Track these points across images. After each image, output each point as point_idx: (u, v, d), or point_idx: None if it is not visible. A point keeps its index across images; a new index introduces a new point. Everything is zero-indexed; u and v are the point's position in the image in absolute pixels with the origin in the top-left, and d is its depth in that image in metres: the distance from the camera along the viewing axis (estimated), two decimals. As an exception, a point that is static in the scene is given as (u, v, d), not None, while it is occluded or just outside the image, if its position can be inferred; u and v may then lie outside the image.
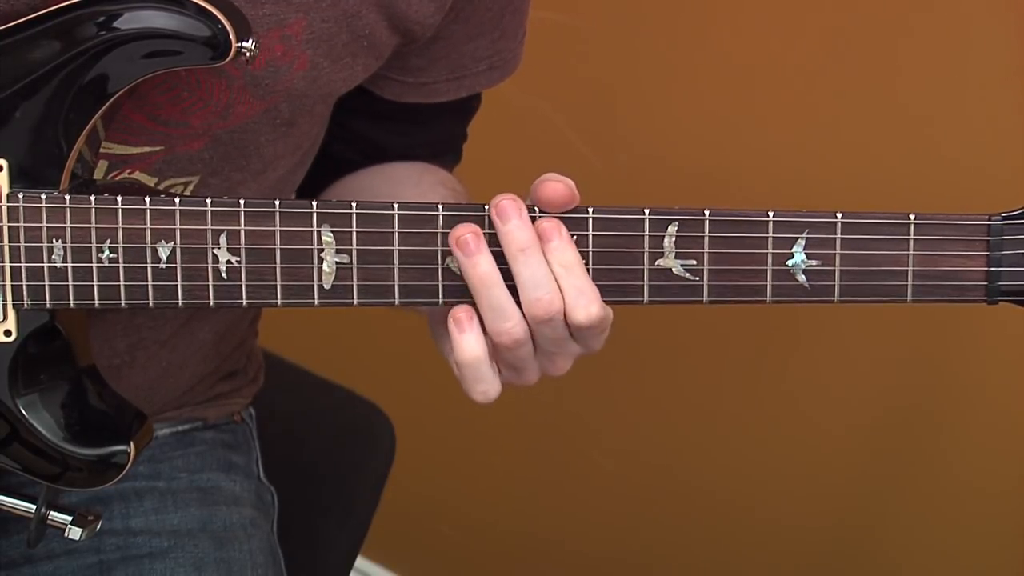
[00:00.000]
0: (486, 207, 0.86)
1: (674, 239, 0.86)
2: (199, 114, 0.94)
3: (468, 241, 0.84)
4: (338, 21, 0.95)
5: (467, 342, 0.85)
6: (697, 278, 0.86)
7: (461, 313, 0.85)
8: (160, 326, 1.05)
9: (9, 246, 0.87)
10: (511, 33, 1.08)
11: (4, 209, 0.86)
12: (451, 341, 0.86)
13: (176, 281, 0.87)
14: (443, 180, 1.12)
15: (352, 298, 0.87)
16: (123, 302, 0.87)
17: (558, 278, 0.84)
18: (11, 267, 0.87)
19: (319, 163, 1.12)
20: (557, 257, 0.84)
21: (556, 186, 0.84)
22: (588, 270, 0.86)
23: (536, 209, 0.86)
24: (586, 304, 0.84)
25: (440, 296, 0.87)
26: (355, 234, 0.86)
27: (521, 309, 0.84)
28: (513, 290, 0.85)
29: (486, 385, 0.87)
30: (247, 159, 0.99)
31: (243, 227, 0.86)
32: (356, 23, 0.96)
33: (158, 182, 0.96)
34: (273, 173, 1.02)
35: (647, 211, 0.85)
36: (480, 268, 0.84)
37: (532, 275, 0.84)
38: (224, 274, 0.86)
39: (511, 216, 0.84)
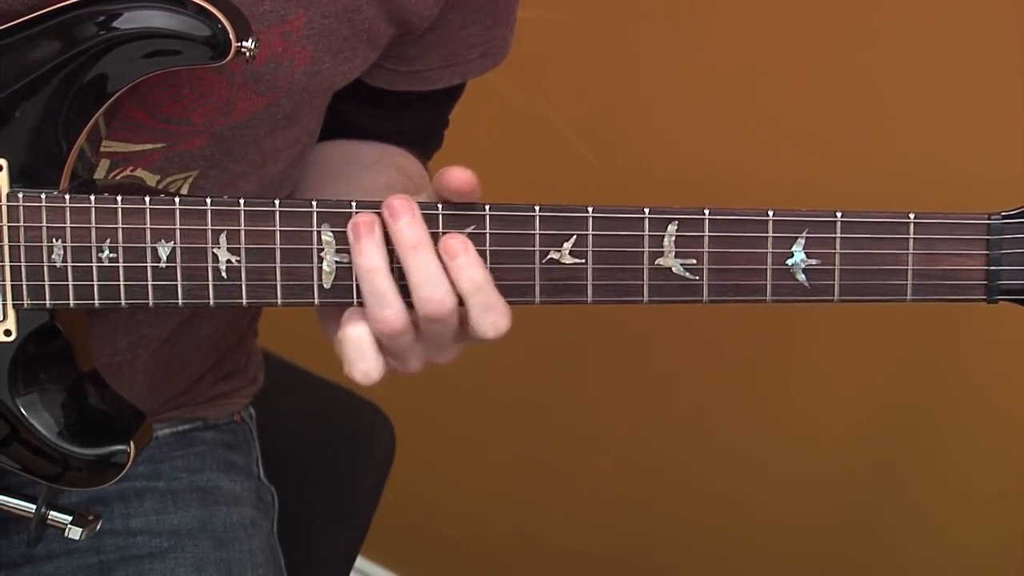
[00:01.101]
0: (486, 207, 0.86)
1: (674, 238, 0.86)
2: (201, 111, 0.94)
3: (359, 226, 0.84)
4: (338, 16, 0.95)
5: (351, 322, 0.85)
6: (697, 277, 0.86)
7: (353, 307, 0.85)
8: (160, 324, 1.05)
9: (9, 246, 0.87)
10: (504, 20, 1.08)
11: (4, 209, 0.86)
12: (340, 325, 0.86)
13: (176, 281, 0.87)
14: (402, 166, 1.11)
15: (352, 298, 0.87)
16: (123, 302, 0.87)
17: (465, 296, 0.84)
18: (11, 267, 0.87)
19: None
20: (465, 274, 0.83)
21: (460, 174, 0.84)
22: (588, 270, 0.86)
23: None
24: (494, 320, 0.84)
25: (440, 296, 0.87)
26: (355, 234, 0.86)
27: (408, 302, 0.84)
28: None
29: (367, 364, 0.86)
30: (248, 153, 0.99)
31: (243, 227, 0.86)
32: (356, 17, 0.96)
33: (160, 179, 0.96)
34: (274, 167, 1.02)
35: (647, 210, 0.85)
36: (366, 253, 0.84)
37: (421, 273, 0.83)
38: (224, 273, 0.86)
39: (402, 214, 0.83)
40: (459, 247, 0.84)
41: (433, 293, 0.83)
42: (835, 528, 1.70)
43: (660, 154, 1.66)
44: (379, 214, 0.85)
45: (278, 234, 0.86)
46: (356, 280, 0.86)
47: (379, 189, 1.03)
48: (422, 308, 0.84)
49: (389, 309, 0.84)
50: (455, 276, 0.83)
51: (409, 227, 0.84)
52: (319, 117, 1.06)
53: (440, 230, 0.86)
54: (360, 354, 0.86)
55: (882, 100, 1.52)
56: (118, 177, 0.95)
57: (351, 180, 1.07)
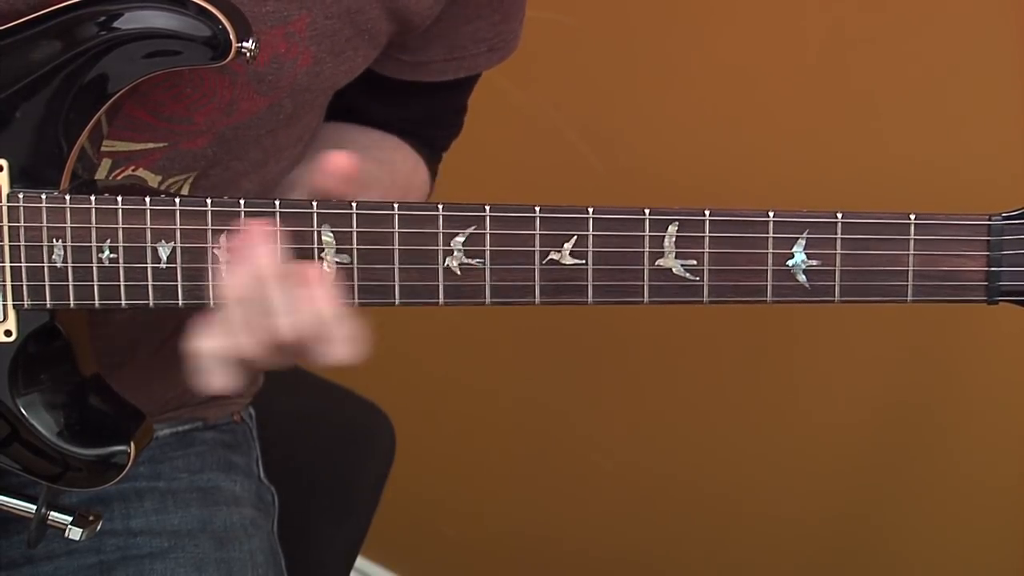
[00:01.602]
0: (486, 207, 0.86)
1: (674, 239, 0.86)
2: (203, 111, 0.94)
3: (255, 235, 0.83)
4: (341, 17, 0.95)
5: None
6: (697, 278, 0.86)
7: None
8: (159, 325, 1.05)
9: (9, 246, 0.87)
10: (512, 15, 1.08)
11: (4, 209, 0.86)
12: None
13: (176, 281, 0.87)
14: (389, 159, 1.11)
15: (352, 298, 0.87)
16: (123, 302, 0.87)
17: (317, 326, 0.83)
18: (11, 267, 0.87)
19: None
20: (318, 306, 0.83)
21: (341, 156, 0.84)
22: (588, 270, 0.86)
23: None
24: (342, 346, 0.84)
25: (440, 296, 0.87)
26: (355, 234, 0.86)
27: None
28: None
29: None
30: (250, 153, 0.99)
31: (243, 227, 0.86)
32: (359, 18, 0.96)
33: (162, 180, 0.96)
34: (276, 165, 1.02)
35: (647, 211, 0.85)
36: (261, 263, 0.83)
37: (275, 302, 0.83)
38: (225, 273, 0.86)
39: (259, 243, 0.83)
40: (315, 279, 0.83)
41: (285, 320, 0.83)
42: (836, 528, 1.70)
43: (661, 155, 1.66)
44: (379, 217, 0.85)
45: (278, 235, 0.86)
46: (359, 284, 0.86)
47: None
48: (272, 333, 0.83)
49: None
50: (308, 305, 0.83)
51: (265, 256, 0.83)
52: (321, 115, 1.06)
53: (439, 230, 0.86)
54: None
55: (882, 101, 1.52)
56: (119, 177, 0.95)
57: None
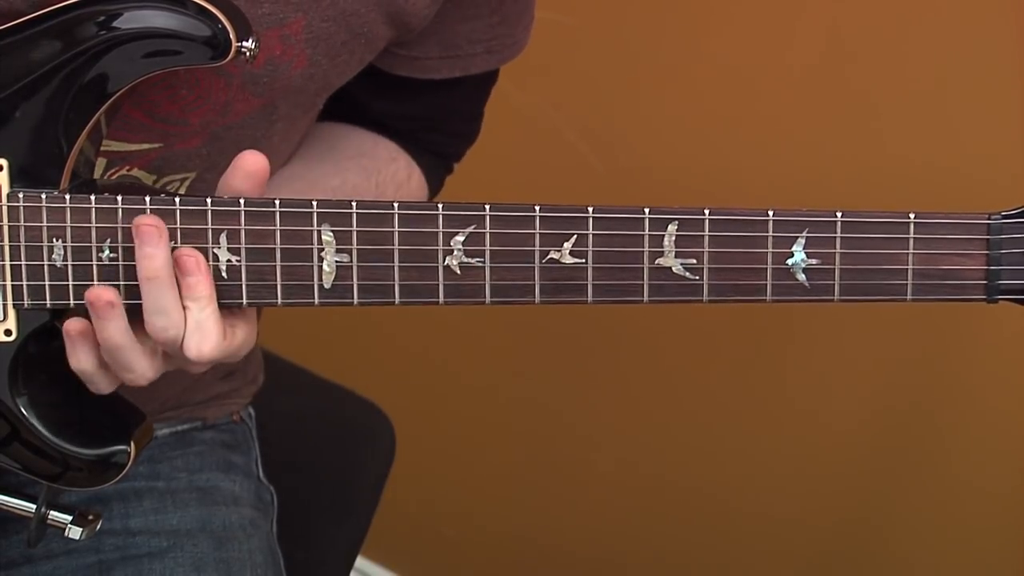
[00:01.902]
0: (486, 206, 0.86)
1: (674, 238, 0.86)
2: (198, 112, 0.94)
3: (150, 232, 0.84)
4: (337, 20, 0.95)
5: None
6: (697, 277, 0.86)
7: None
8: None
9: (9, 245, 0.87)
10: (513, 19, 1.08)
11: (4, 209, 0.86)
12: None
13: (176, 281, 0.87)
14: (377, 170, 1.11)
15: (352, 298, 0.87)
16: (123, 302, 0.87)
17: (185, 309, 0.84)
18: (11, 266, 0.87)
19: None
20: (191, 292, 0.84)
21: (252, 155, 0.85)
22: (588, 270, 0.86)
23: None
24: (198, 341, 0.85)
25: (440, 296, 0.87)
26: (355, 233, 0.86)
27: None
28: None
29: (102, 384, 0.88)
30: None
31: (243, 226, 0.86)
32: (355, 21, 0.96)
33: (156, 180, 0.96)
34: (270, 165, 1.02)
35: (647, 210, 0.85)
36: (156, 262, 0.84)
37: (153, 302, 0.84)
38: (224, 273, 0.86)
39: (145, 244, 0.84)
40: (193, 266, 0.84)
41: (159, 322, 0.84)
42: (836, 528, 1.70)
43: (660, 154, 1.66)
44: (380, 217, 0.85)
45: (278, 234, 0.86)
46: (359, 284, 0.86)
47: (333, 188, 1.05)
48: (151, 331, 0.85)
49: (133, 373, 0.86)
50: (183, 292, 0.84)
51: (149, 259, 0.84)
52: (314, 117, 1.06)
53: (439, 229, 0.86)
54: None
55: (882, 100, 1.52)
56: (114, 176, 0.95)
57: (308, 166, 1.08)
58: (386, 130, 1.14)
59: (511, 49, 1.10)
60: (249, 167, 0.86)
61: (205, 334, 0.85)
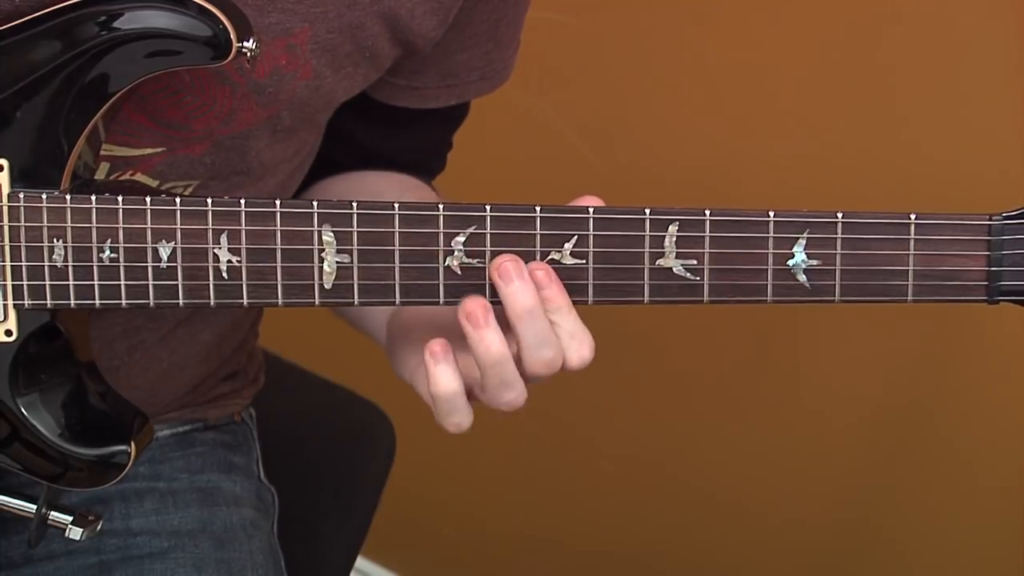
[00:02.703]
0: (486, 207, 0.86)
1: (674, 239, 0.86)
2: (202, 119, 0.94)
3: (476, 316, 0.84)
4: (343, 32, 0.95)
5: (443, 375, 0.86)
6: (698, 278, 0.86)
7: (437, 347, 0.86)
8: (158, 327, 1.05)
9: (10, 246, 0.87)
10: (505, 44, 1.08)
11: (5, 209, 0.86)
12: (427, 373, 0.86)
13: (177, 281, 0.87)
14: (424, 198, 1.11)
15: (352, 298, 0.87)
16: (124, 302, 0.87)
17: (552, 325, 0.85)
18: (12, 266, 0.87)
19: None
20: (550, 305, 0.84)
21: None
22: (588, 270, 0.86)
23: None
24: (578, 348, 0.85)
25: (440, 296, 0.87)
26: (356, 234, 0.86)
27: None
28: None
29: (459, 417, 0.88)
30: (247, 164, 0.99)
31: (244, 227, 0.86)
32: (360, 34, 0.96)
33: (159, 185, 0.96)
34: (272, 179, 1.02)
35: (647, 211, 0.85)
36: (487, 342, 0.84)
37: (536, 335, 0.84)
38: (225, 274, 0.86)
39: (513, 278, 0.84)
40: (545, 279, 0.84)
41: (545, 355, 0.85)
42: (837, 528, 1.70)
43: (661, 154, 1.66)
44: (380, 218, 0.85)
45: (279, 234, 0.86)
46: (359, 284, 0.86)
47: None
48: (532, 367, 0.85)
49: (514, 392, 0.86)
50: (544, 306, 0.84)
51: (522, 292, 0.84)
52: (318, 132, 1.06)
53: (439, 230, 0.86)
54: (453, 408, 0.87)
55: (882, 100, 1.52)
56: (118, 180, 0.95)
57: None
58: (395, 166, 1.14)
59: (502, 74, 1.11)
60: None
61: (581, 339, 0.85)
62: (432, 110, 1.10)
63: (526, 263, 0.85)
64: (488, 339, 0.84)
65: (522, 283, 0.84)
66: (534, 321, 0.84)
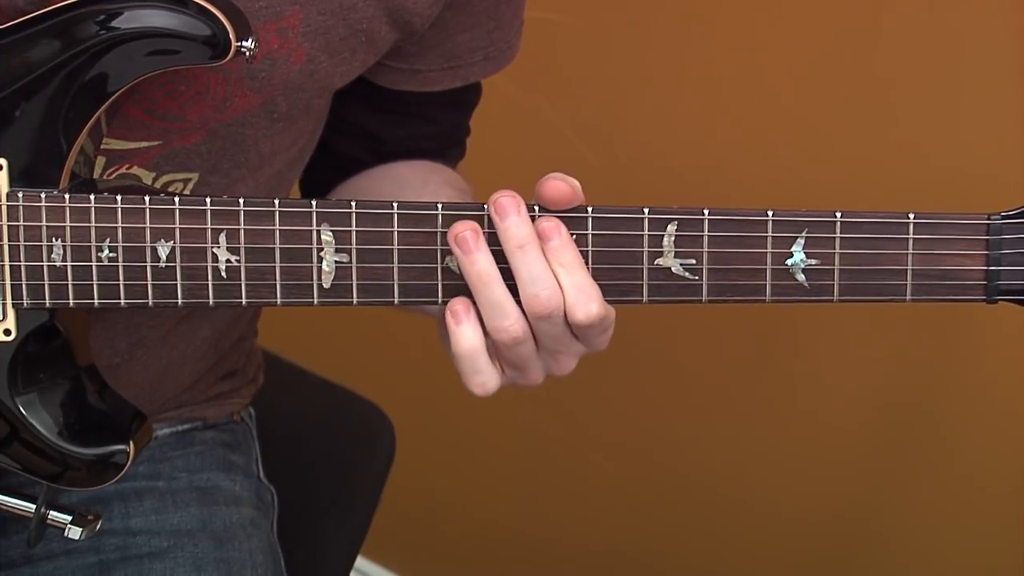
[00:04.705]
0: (485, 206, 0.86)
1: (673, 238, 0.86)
2: (196, 108, 0.94)
3: (467, 238, 0.84)
4: (334, 14, 0.95)
5: (464, 333, 0.86)
6: (696, 277, 0.86)
7: (458, 305, 0.86)
8: (159, 324, 1.05)
9: (9, 245, 0.87)
10: (506, 23, 1.08)
11: (4, 208, 0.86)
12: (449, 333, 0.86)
13: (176, 280, 0.87)
14: (450, 180, 1.11)
15: (352, 297, 0.87)
16: (123, 301, 0.87)
17: (558, 276, 0.84)
18: (11, 266, 0.87)
19: (325, 162, 1.12)
20: (557, 256, 0.84)
21: (559, 184, 0.85)
22: (588, 269, 0.86)
23: (537, 208, 0.86)
24: (585, 302, 0.84)
25: (439, 295, 0.87)
26: (354, 233, 0.86)
27: (521, 307, 0.85)
28: (513, 288, 0.85)
29: (483, 377, 0.87)
30: (245, 154, 0.99)
31: (243, 226, 0.86)
32: (353, 16, 0.96)
33: (156, 177, 0.96)
34: (270, 168, 1.02)
35: (646, 210, 0.86)
36: (478, 265, 0.84)
37: (530, 271, 0.84)
38: (224, 273, 0.86)
39: (509, 212, 0.84)
40: (552, 230, 0.84)
41: (541, 291, 0.84)
42: (837, 527, 1.70)
43: (660, 154, 1.66)
44: (377, 217, 0.85)
45: (278, 233, 0.86)
46: (358, 284, 0.86)
47: None
48: (530, 306, 0.84)
49: (508, 319, 0.85)
50: (549, 258, 0.84)
51: (517, 226, 0.84)
52: (317, 120, 1.06)
53: (439, 229, 0.86)
54: (475, 368, 0.87)
55: (882, 100, 1.52)
56: (114, 175, 0.95)
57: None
58: (414, 155, 1.15)
59: (506, 54, 1.10)
60: (555, 195, 0.85)
61: (589, 294, 0.84)
62: (440, 93, 1.09)
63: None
64: (480, 262, 0.84)
65: (518, 218, 0.84)
66: (526, 256, 0.84)
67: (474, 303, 0.86)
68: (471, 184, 1.14)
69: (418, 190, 1.09)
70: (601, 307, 0.85)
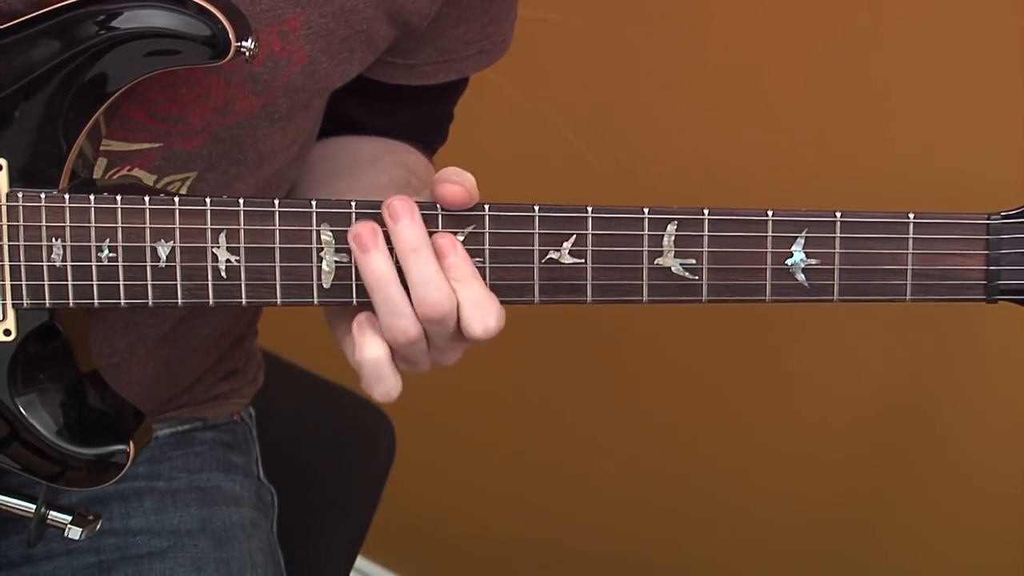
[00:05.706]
0: (485, 207, 0.86)
1: (673, 238, 0.86)
2: (198, 111, 0.94)
3: (364, 237, 0.84)
4: (335, 16, 0.95)
5: (369, 344, 0.86)
6: (696, 277, 0.86)
7: (363, 316, 0.86)
8: (159, 324, 1.05)
9: (8, 245, 0.87)
10: (501, 17, 1.08)
11: (4, 208, 0.86)
12: (354, 342, 0.87)
13: (175, 280, 0.87)
14: (404, 161, 1.11)
15: (351, 297, 0.87)
16: (122, 301, 0.87)
17: (456, 292, 0.85)
18: (10, 266, 0.87)
19: None
20: (453, 272, 0.85)
21: (452, 188, 0.85)
22: (587, 270, 0.86)
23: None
24: (482, 316, 0.85)
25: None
26: (354, 233, 0.86)
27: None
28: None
29: (386, 385, 0.87)
30: (245, 154, 0.99)
31: (242, 226, 0.86)
32: (353, 17, 0.96)
33: (157, 179, 0.96)
34: (270, 167, 1.02)
35: (646, 210, 0.85)
36: (374, 265, 0.84)
37: (421, 273, 0.84)
38: (223, 273, 0.86)
39: (401, 216, 0.84)
40: (448, 247, 0.84)
41: (431, 294, 0.84)
42: (837, 528, 1.70)
43: (660, 154, 1.66)
44: (377, 217, 0.85)
45: (278, 233, 0.86)
46: (357, 284, 0.86)
47: (382, 187, 1.04)
48: (421, 309, 0.84)
49: (404, 320, 0.85)
50: (447, 275, 0.84)
51: (408, 229, 0.84)
52: (316, 118, 1.06)
53: (439, 229, 0.86)
54: (379, 376, 0.87)
55: (882, 100, 1.52)
56: (115, 176, 0.95)
57: (354, 177, 1.07)
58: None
59: (500, 47, 1.10)
60: (450, 198, 0.85)
61: (486, 308, 0.85)
62: (431, 86, 1.09)
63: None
64: (375, 262, 0.84)
65: (410, 222, 0.84)
66: (418, 259, 0.84)
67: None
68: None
69: (367, 165, 1.09)
70: (499, 320, 0.85)
